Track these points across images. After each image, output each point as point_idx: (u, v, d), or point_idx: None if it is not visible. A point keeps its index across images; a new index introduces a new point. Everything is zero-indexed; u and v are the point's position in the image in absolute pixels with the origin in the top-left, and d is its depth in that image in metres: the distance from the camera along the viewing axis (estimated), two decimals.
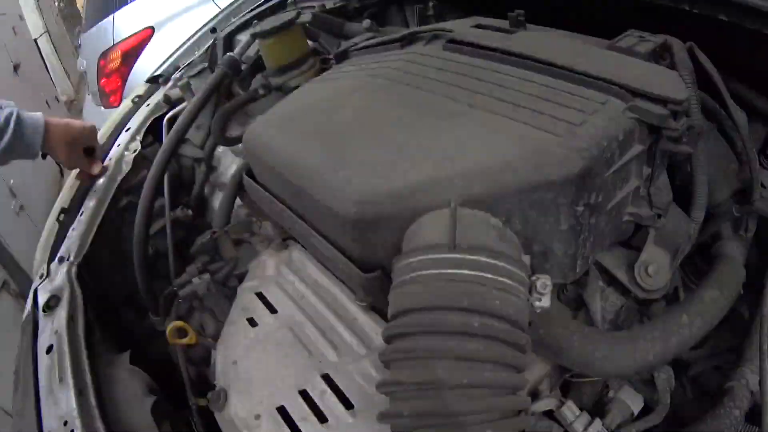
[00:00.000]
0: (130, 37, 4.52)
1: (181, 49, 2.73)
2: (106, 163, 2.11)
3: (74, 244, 1.86)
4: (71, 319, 1.55)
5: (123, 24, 4.63)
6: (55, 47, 8.42)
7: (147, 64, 4.40)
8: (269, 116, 1.37)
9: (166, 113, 2.36)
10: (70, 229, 1.93)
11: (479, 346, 0.78)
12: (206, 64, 2.46)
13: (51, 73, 7.72)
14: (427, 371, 0.78)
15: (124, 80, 4.51)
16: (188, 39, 2.76)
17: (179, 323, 1.48)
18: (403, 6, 2.34)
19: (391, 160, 1.01)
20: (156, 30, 4.51)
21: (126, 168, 2.10)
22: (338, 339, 1.26)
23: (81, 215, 1.95)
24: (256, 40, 2.03)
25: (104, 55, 4.58)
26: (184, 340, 1.46)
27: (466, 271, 0.82)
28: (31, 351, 1.51)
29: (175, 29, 4.47)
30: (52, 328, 1.54)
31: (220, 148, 2.38)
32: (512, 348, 0.81)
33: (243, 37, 2.47)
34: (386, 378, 0.85)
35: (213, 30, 2.75)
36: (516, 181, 0.89)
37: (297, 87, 1.83)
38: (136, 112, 2.45)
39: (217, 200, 2.21)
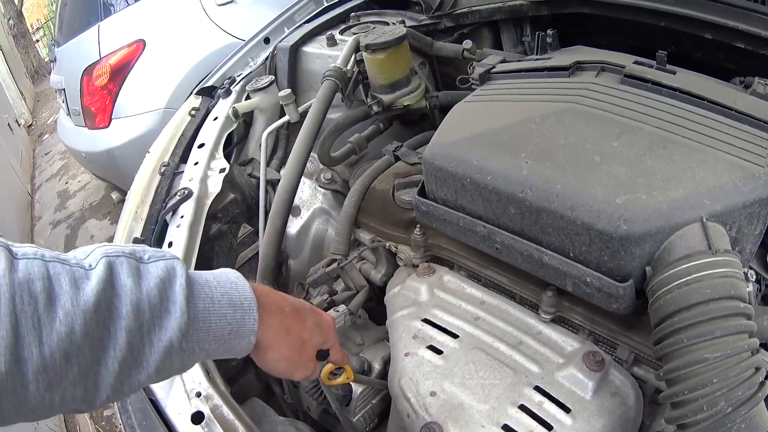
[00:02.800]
0: (118, 50, 4.10)
1: (233, 60, 2.49)
2: (186, 184, 1.85)
3: None
4: None
5: (109, 36, 4.20)
6: (9, 67, 7.86)
7: (140, 81, 4.11)
8: (454, 136, 1.35)
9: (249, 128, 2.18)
10: None
11: (737, 322, 0.93)
12: (272, 77, 2.25)
13: (7, 94, 7.18)
14: (695, 354, 0.93)
15: (114, 98, 4.10)
16: (238, 49, 2.53)
17: (332, 365, 1.31)
18: (498, 29, 2.26)
19: (643, 182, 1.10)
20: (147, 43, 4.13)
21: (214, 190, 1.85)
22: (532, 352, 1.29)
23: (170, 246, 1.69)
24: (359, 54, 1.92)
25: (88, 70, 4.16)
26: (339, 380, 1.31)
27: (723, 270, 0.98)
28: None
29: (169, 42, 4.19)
30: None
31: None
32: (749, 319, 0.96)
33: (310, 49, 2.32)
34: (665, 368, 0.98)
35: (266, 40, 2.56)
36: (742, 200, 1.07)
37: (406, 106, 1.95)
38: (197, 126, 2.22)
39: (290, 226, 2.07)
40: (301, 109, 2.04)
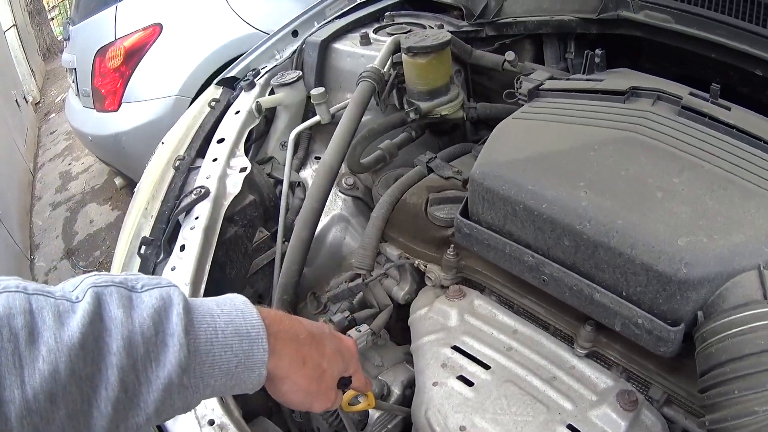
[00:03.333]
0: (134, 32, 3.93)
1: (258, 51, 2.36)
2: (203, 181, 1.70)
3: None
4: None
5: (126, 18, 4.02)
6: (21, 42, 7.72)
7: (154, 66, 3.95)
8: (506, 156, 1.30)
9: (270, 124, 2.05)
10: (168, 269, 1.53)
11: None
12: (299, 72, 2.12)
13: (18, 70, 7.04)
14: (744, 405, 0.88)
15: (126, 81, 3.94)
16: (264, 40, 2.40)
17: (354, 391, 1.22)
18: (541, 43, 2.18)
19: (704, 224, 1.07)
20: (164, 27, 3.97)
21: (233, 190, 1.72)
22: (566, 388, 1.25)
23: (182, 250, 1.55)
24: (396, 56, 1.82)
25: (102, 51, 3.98)
26: (359, 407, 1.21)
27: None
28: None
29: (187, 27, 4.04)
30: None
31: (307, 173, 2.05)
32: None
33: (341, 46, 2.20)
34: (711, 417, 0.94)
35: (294, 33, 2.43)
36: None
37: (444, 116, 1.85)
38: (216, 118, 2.09)
39: None
40: (332, 110, 1.90)
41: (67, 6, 9.42)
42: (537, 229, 1.22)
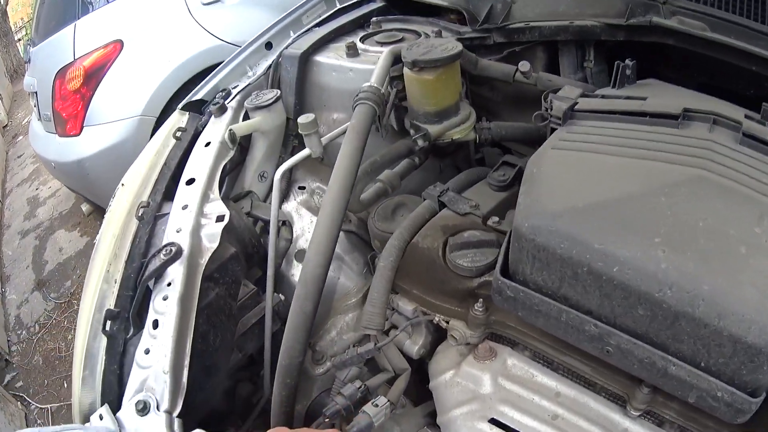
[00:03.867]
0: (93, 51, 3.68)
1: (227, 68, 2.05)
2: (173, 236, 1.41)
3: (160, 383, 1.18)
4: None
5: (85, 36, 3.76)
6: None
7: (115, 85, 3.69)
8: (562, 204, 1.07)
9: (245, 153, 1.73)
10: (141, 352, 1.25)
11: None
12: (277, 92, 1.82)
13: None
14: None
15: (86, 104, 3.67)
16: (234, 56, 2.09)
17: None
18: (555, 50, 1.92)
19: None
20: (125, 44, 3.72)
21: (210, 245, 1.42)
22: None
23: (155, 327, 1.27)
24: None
25: (61, 72, 3.72)
26: None
27: None
28: None
29: (149, 42, 3.79)
30: None
31: (290, 206, 1.76)
32: None
33: (324, 59, 1.90)
34: None
35: (268, 45, 2.13)
36: None
37: (455, 141, 1.61)
38: (183, 151, 1.79)
39: (296, 274, 1.73)
40: (324, 140, 1.60)
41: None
42: (604, 295, 1.01)
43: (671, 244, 0.97)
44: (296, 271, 1.74)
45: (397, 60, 1.61)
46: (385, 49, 1.63)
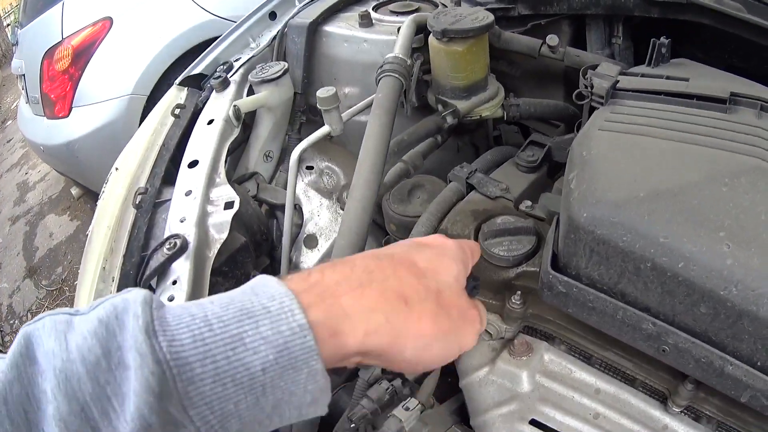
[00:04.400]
0: (82, 29, 3.55)
1: (228, 40, 1.90)
2: (176, 227, 1.27)
3: None
4: None
5: (73, 14, 3.63)
6: None
7: (104, 64, 3.58)
8: (622, 192, 0.96)
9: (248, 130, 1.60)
10: None
11: None
12: (284, 64, 1.68)
13: None
14: None
15: (75, 84, 3.55)
16: (235, 27, 1.94)
17: None
18: (582, 24, 1.79)
19: None
20: (114, 21, 3.59)
21: (219, 236, 1.27)
22: None
23: None
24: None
25: (49, 53, 3.60)
26: None
27: None
28: None
29: (138, 19, 3.66)
30: None
31: (298, 188, 1.63)
32: None
33: (335, 29, 1.75)
34: None
35: (272, 15, 1.98)
36: None
37: (484, 118, 1.51)
38: (183, 131, 1.65)
39: (305, 261, 1.59)
40: (344, 116, 1.45)
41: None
42: (666, 292, 0.93)
43: (735, 238, 0.89)
44: (305, 258, 1.60)
45: (420, 30, 1.48)
46: (407, 18, 1.49)
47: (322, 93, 1.33)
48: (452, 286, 0.66)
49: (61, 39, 3.57)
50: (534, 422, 1.15)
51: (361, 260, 0.62)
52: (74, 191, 4.95)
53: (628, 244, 0.91)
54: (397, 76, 1.27)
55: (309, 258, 1.60)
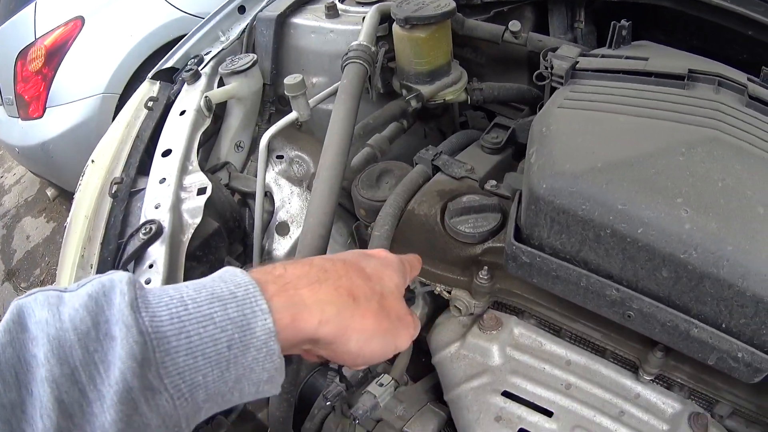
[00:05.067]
0: (54, 29, 3.49)
1: (198, 34, 1.91)
2: (151, 213, 1.28)
3: None
4: None
5: (45, 15, 3.57)
6: None
7: (77, 64, 3.51)
8: (580, 164, 0.97)
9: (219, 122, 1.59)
10: None
11: None
12: (253, 56, 1.69)
13: None
14: None
15: (48, 84, 3.49)
16: (205, 21, 1.95)
17: None
18: (544, 10, 1.81)
19: None
20: (86, 20, 3.53)
21: (193, 221, 1.29)
22: (636, 422, 1.11)
23: None
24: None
25: (23, 54, 3.54)
26: None
27: None
28: None
29: (109, 17, 3.61)
30: None
31: (269, 176, 1.65)
32: None
33: (302, 21, 1.76)
34: None
35: (241, 9, 1.98)
36: None
37: (447, 101, 1.54)
38: (157, 122, 1.66)
39: (277, 248, 1.61)
40: (311, 102, 1.47)
41: None
42: (627, 258, 0.94)
43: (693, 204, 0.91)
44: (278, 245, 1.61)
45: (384, 19, 1.49)
46: (370, 8, 1.51)
47: (289, 80, 1.34)
48: (393, 292, 0.72)
49: (34, 39, 3.53)
50: (506, 394, 1.15)
51: (319, 261, 0.68)
52: (50, 192, 4.87)
53: (587, 212, 0.93)
54: (361, 62, 1.29)
55: (281, 245, 1.61)
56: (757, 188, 0.92)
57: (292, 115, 1.41)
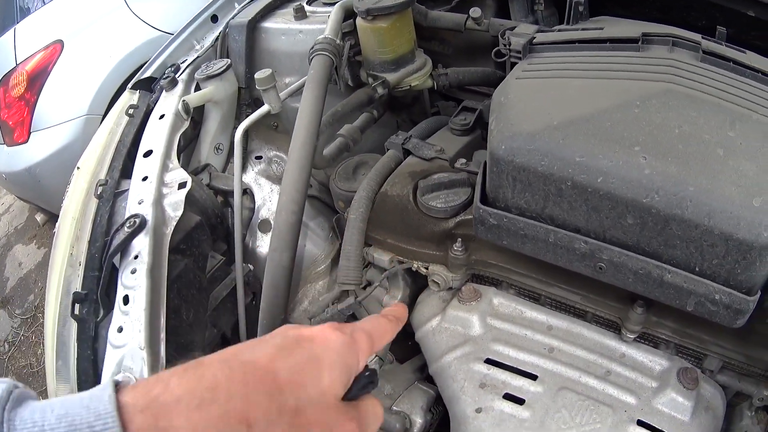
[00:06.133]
0: (35, 54, 3.50)
1: (174, 44, 1.94)
2: (135, 208, 1.30)
3: (137, 360, 1.08)
4: None
5: (25, 40, 3.58)
6: None
7: (59, 87, 3.49)
8: (536, 124, 0.99)
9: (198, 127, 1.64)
10: (114, 331, 1.14)
11: None
12: (227, 61, 1.72)
13: None
14: None
15: (32, 109, 3.47)
16: (180, 32, 1.99)
17: None
18: None
19: None
20: (65, 44, 3.53)
21: (175, 214, 1.31)
22: (623, 380, 1.12)
23: (125, 303, 1.16)
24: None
25: (5, 80, 3.53)
26: None
27: None
28: None
29: (88, 40, 3.61)
30: None
31: (249, 177, 1.66)
32: None
33: (272, 24, 1.80)
34: None
35: (214, 18, 2.02)
36: None
37: (414, 87, 1.56)
38: (138, 128, 1.68)
39: (261, 245, 1.64)
40: (282, 95, 1.50)
41: None
42: (591, 209, 0.95)
43: (651, 151, 0.92)
44: (261, 242, 1.65)
45: (348, 15, 1.53)
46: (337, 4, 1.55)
47: (258, 74, 1.37)
48: (318, 402, 0.58)
49: (15, 65, 3.52)
50: (489, 361, 1.16)
51: (212, 370, 0.54)
52: (39, 218, 4.85)
53: (546, 167, 0.94)
54: (327, 54, 1.32)
55: (264, 242, 1.64)
56: (715, 132, 0.94)
57: (264, 108, 1.44)
